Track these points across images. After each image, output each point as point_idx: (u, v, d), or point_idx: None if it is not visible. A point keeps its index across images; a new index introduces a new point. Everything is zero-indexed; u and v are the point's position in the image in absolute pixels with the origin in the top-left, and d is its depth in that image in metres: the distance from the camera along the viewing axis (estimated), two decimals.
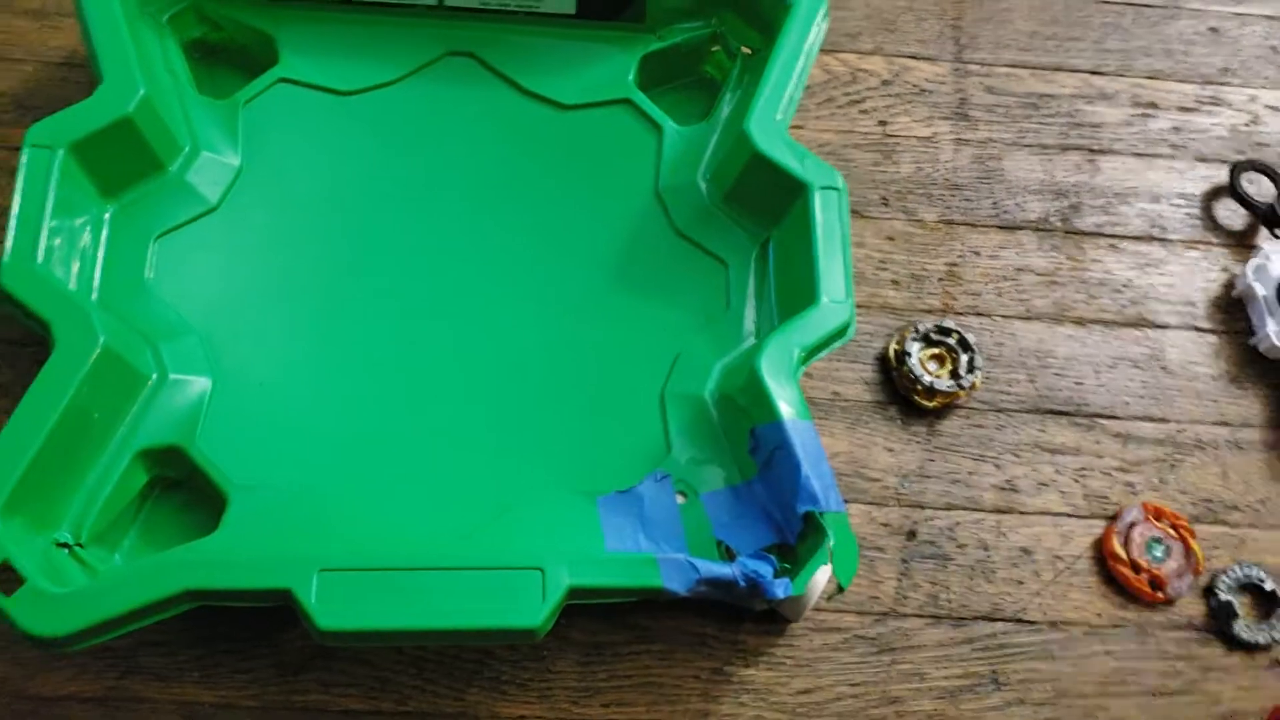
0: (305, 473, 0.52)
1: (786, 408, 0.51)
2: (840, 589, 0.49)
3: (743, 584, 0.48)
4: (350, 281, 0.57)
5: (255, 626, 0.52)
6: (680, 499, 0.54)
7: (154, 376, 0.52)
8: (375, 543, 0.50)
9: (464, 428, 0.55)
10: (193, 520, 0.52)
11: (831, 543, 0.49)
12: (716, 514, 0.53)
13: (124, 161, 0.55)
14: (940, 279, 0.63)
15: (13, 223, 0.50)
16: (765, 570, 0.49)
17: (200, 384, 0.53)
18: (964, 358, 0.60)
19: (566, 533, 0.52)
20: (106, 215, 0.55)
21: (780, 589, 0.48)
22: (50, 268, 0.50)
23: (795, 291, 0.56)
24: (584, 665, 0.53)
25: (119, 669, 0.50)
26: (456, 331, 0.57)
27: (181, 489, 0.52)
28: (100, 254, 0.54)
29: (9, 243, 0.50)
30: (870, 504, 0.57)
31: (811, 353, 0.53)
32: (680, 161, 0.61)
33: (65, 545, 0.48)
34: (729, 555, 0.52)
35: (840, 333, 0.54)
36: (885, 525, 0.57)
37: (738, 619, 0.54)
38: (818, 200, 0.55)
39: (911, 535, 0.57)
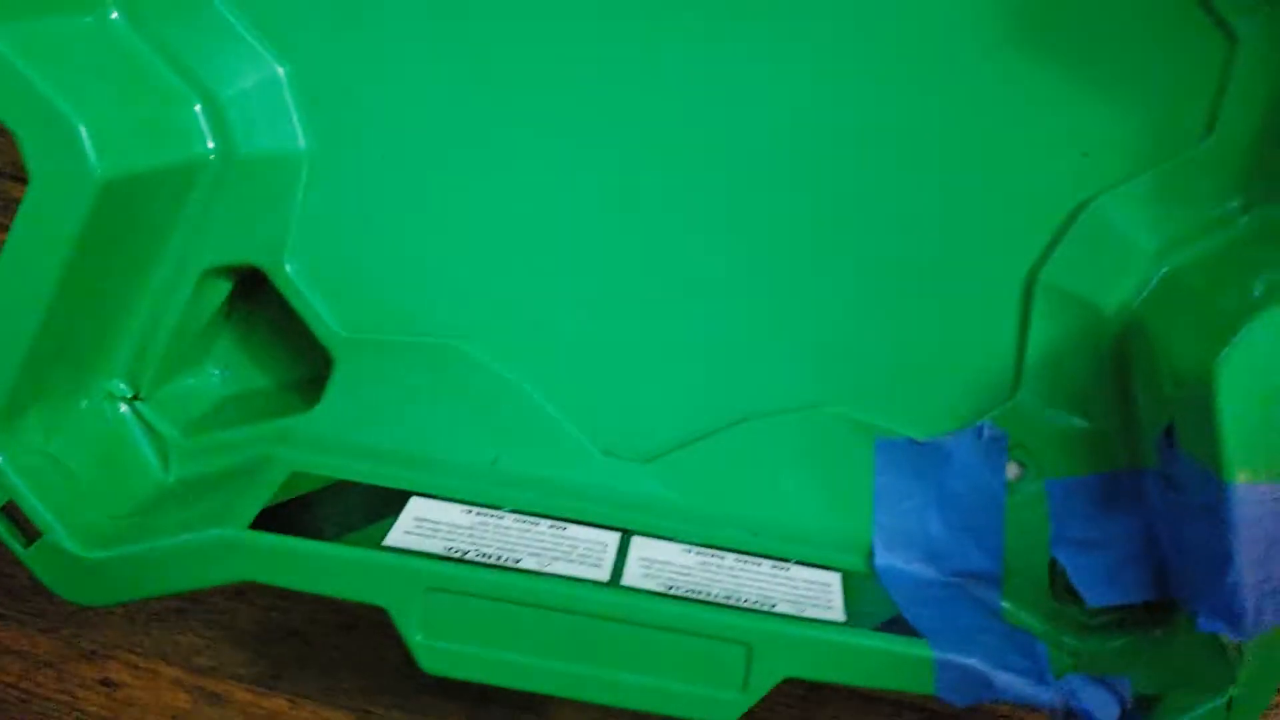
0: (442, 330, 0.35)
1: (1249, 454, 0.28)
2: None
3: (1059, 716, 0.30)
4: (549, 31, 0.33)
5: None
6: (1014, 471, 0.33)
7: (213, 153, 0.33)
8: (518, 459, 0.34)
9: (685, 285, 0.34)
10: (288, 353, 0.37)
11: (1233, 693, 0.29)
12: (1065, 516, 0.33)
13: None
14: None
15: None
16: (1103, 707, 0.30)
17: (290, 161, 0.34)
18: None
19: (809, 482, 0.34)
20: None
21: None
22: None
23: None
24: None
25: None
26: (694, 131, 0.33)
27: (273, 305, 0.36)
28: None
29: None
30: None
31: None
32: None
33: (125, 399, 0.35)
34: (1066, 588, 0.33)
35: None
36: None
37: None
38: None
39: None
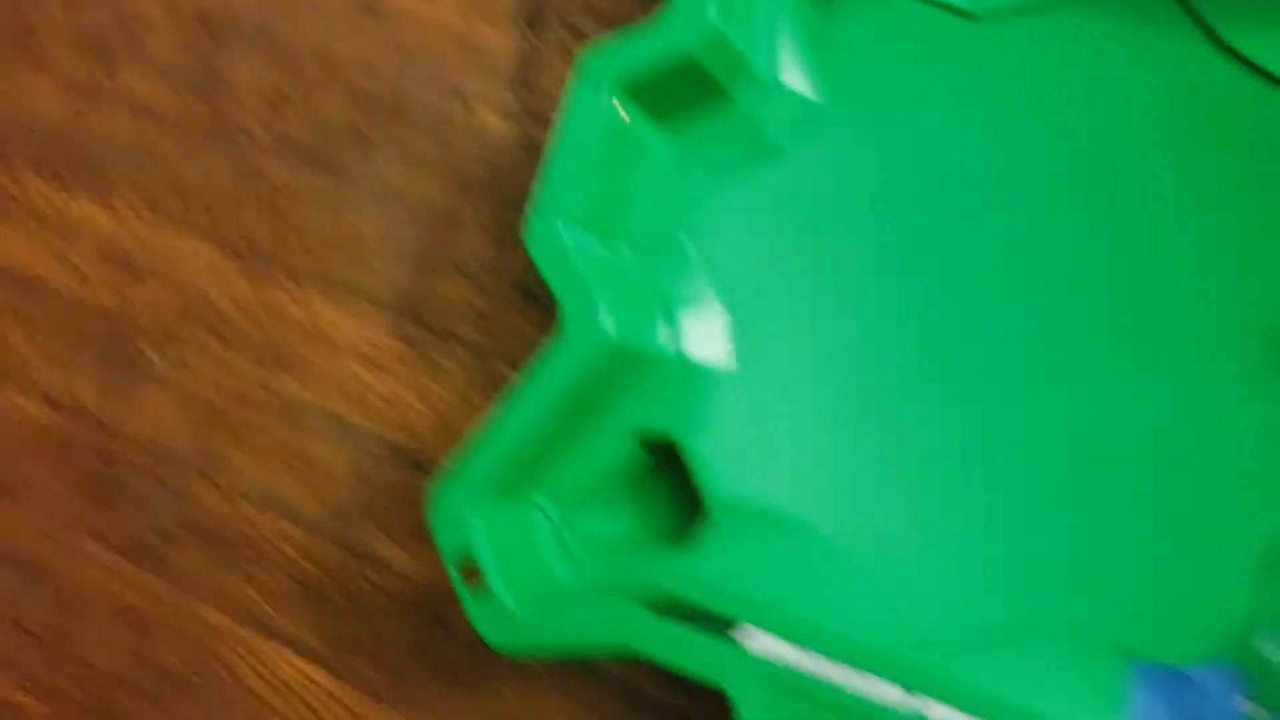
0: (801, 507, 0.46)
1: None
2: None
3: None
4: (930, 290, 0.46)
5: None
6: (1248, 706, 0.40)
7: (667, 351, 0.47)
8: (838, 621, 0.44)
9: (991, 518, 0.44)
10: (679, 506, 0.48)
11: None
12: None
13: (683, 93, 0.46)
14: None
15: (551, 172, 0.45)
16: None
17: (716, 372, 0.47)
18: None
19: (1074, 685, 0.41)
20: (658, 151, 0.48)
21: None
22: (578, 225, 0.45)
23: None
24: None
25: None
26: (1038, 389, 0.44)
27: (675, 469, 0.48)
28: (641, 196, 0.48)
29: (541, 193, 0.45)
30: None
31: None
32: None
33: (546, 514, 0.47)
34: None
35: None
36: None
37: None
38: None
39: None
